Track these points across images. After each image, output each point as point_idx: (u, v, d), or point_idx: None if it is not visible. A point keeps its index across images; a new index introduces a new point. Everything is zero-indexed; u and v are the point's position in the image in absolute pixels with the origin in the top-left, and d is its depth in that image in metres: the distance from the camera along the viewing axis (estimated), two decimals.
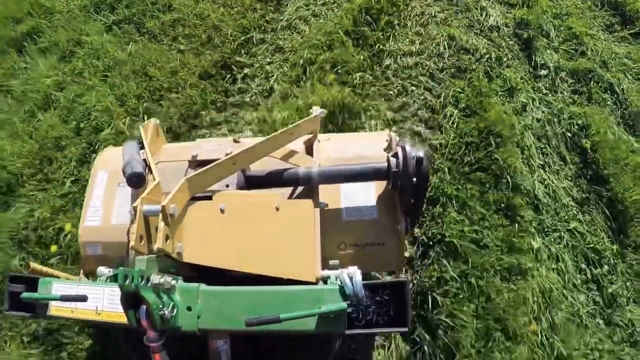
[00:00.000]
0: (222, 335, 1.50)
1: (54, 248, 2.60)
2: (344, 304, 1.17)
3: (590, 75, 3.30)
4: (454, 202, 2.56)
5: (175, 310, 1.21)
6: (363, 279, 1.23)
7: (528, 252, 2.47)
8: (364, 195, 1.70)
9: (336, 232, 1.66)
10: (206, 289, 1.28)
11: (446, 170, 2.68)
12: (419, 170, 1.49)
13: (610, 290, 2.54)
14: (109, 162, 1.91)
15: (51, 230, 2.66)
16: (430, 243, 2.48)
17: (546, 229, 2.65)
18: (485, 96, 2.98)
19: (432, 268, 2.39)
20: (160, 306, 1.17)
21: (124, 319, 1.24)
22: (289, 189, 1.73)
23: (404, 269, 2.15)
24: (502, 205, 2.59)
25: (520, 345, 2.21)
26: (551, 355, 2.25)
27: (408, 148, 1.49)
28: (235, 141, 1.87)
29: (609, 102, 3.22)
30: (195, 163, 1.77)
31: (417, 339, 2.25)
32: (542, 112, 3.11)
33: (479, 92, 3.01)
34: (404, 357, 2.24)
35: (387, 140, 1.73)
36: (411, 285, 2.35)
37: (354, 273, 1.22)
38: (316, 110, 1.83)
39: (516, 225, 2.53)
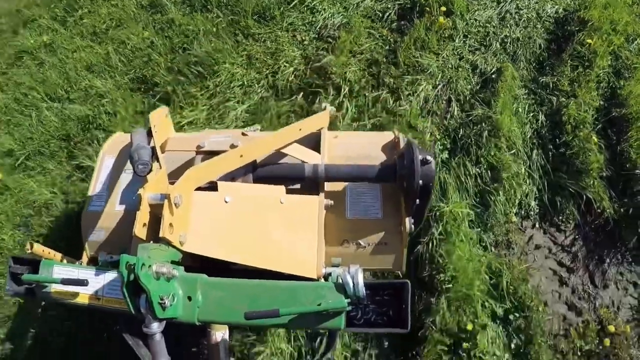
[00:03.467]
0: (220, 327, 1.51)
1: None
2: (344, 302, 1.15)
3: None
4: None
5: (175, 299, 1.20)
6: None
7: None
8: (369, 194, 1.69)
9: (340, 229, 1.65)
10: (207, 280, 1.27)
11: None
12: (425, 172, 1.47)
13: None
14: (117, 149, 1.91)
15: None
16: None
17: None
18: None
19: None
20: (161, 295, 1.16)
21: (123, 305, 1.24)
22: (295, 184, 1.72)
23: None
24: None
25: None
26: None
27: (415, 149, 1.48)
28: (243, 134, 1.86)
29: None
30: (203, 154, 1.77)
31: None
32: None
33: None
34: None
35: (394, 141, 1.72)
36: None
37: (356, 272, 1.20)
38: (326, 107, 1.82)
39: None
